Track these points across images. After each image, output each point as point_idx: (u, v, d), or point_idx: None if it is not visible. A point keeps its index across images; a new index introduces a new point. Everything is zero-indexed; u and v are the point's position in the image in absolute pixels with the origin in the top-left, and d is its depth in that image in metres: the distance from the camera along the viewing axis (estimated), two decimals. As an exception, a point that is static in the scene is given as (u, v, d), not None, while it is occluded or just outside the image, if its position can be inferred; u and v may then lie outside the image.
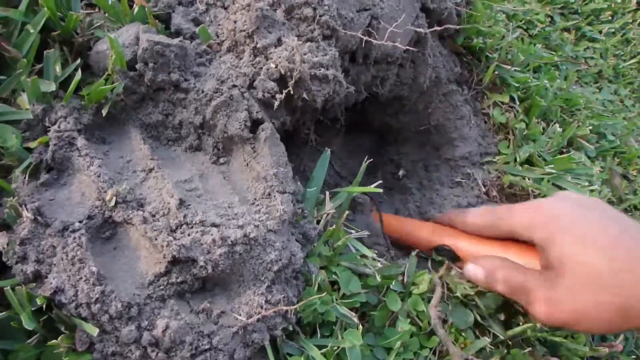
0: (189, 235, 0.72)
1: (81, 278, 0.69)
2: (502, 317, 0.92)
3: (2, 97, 0.85)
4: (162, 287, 0.72)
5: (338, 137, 1.08)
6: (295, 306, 0.76)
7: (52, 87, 0.81)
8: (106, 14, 0.92)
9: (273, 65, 0.83)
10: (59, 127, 0.77)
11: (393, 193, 1.14)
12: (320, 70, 0.85)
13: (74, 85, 0.79)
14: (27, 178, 0.76)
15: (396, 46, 0.92)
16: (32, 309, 0.70)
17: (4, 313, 0.70)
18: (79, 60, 0.84)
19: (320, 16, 0.86)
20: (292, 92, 0.83)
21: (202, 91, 0.81)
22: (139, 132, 0.81)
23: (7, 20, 0.88)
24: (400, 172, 1.12)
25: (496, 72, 1.17)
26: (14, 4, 0.90)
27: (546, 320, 0.73)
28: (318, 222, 0.90)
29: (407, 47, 0.99)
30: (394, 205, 1.11)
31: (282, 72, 0.82)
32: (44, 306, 0.70)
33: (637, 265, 0.66)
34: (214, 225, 0.73)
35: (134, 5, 0.93)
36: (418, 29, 0.93)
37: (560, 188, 1.13)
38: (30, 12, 0.88)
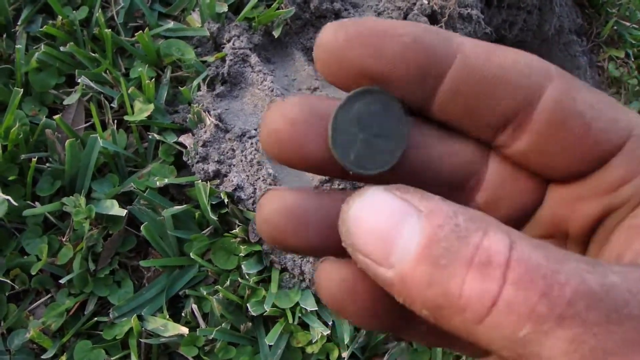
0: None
1: (259, 178, 0.78)
2: None
3: (173, 15, 0.93)
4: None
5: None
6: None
7: (224, 8, 0.88)
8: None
9: (426, 1, 0.89)
10: (233, 44, 0.85)
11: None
12: (466, 9, 0.91)
13: (250, 7, 0.86)
14: (206, 88, 0.84)
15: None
16: (212, 203, 0.80)
17: (183, 206, 0.80)
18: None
19: (471, -43, 0.91)
20: (442, 28, 0.88)
21: (361, 21, 0.87)
22: (301, 54, 0.88)
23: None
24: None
25: (614, 27, 1.20)
26: None
27: None
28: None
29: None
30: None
31: (435, 8, 0.88)
32: (220, 202, 0.80)
33: None
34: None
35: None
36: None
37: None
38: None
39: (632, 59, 1.21)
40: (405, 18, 0.89)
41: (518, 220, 0.29)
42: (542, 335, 0.19)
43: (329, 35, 0.24)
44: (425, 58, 0.24)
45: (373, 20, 0.24)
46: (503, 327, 0.20)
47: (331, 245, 0.25)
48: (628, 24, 1.21)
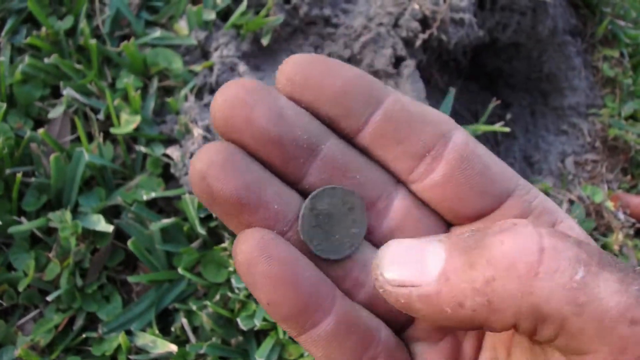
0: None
1: (248, 190, 0.77)
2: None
3: (160, 23, 0.92)
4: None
5: (459, 78, 1.12)
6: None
7: (212, 15, 0.87)
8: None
9: (417, 6, 0.87)
10: (221, 52, 0.84)
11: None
12: (458, 14, 0.89)
13: (238, 14, 0.84)
14: (194, 98, 0.83)
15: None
16: (201, 216, 0.79)
17: (171, 220, 0.79)
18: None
19: (462, -40, 0.90)
20: (434, 34, 0.87)
21: (352, 27, 0.86)
22: (290, 62, 0.87)
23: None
24: (508, 116, 1.17)
25: (609, 27, 1.19)
26: None
27: None
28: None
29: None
30: (496, 149, 1.17)
31: (426, 13, 0.86)
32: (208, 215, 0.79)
33: None
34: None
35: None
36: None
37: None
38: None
39: (627, 58, 1.20)
40: (396, 23, 0.88)
41: None
42: (594, 277, 0.22)
43: (300, 59, 0.30)
44: (369, 88, 0.30)
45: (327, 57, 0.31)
46: (560, 271, 0.23)
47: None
48: (623, 22, 1.19)
